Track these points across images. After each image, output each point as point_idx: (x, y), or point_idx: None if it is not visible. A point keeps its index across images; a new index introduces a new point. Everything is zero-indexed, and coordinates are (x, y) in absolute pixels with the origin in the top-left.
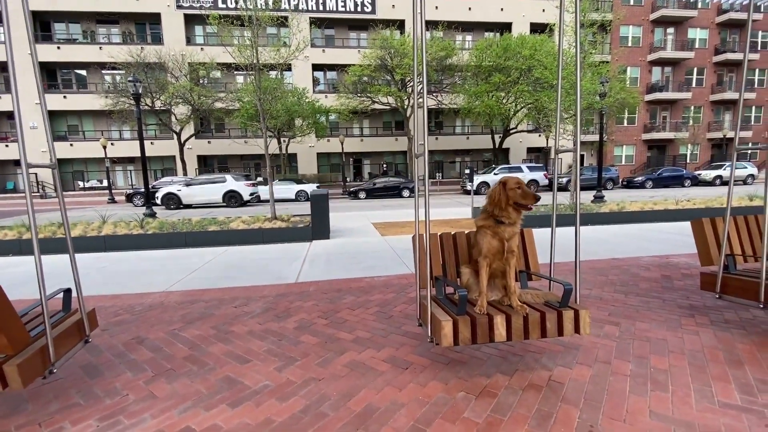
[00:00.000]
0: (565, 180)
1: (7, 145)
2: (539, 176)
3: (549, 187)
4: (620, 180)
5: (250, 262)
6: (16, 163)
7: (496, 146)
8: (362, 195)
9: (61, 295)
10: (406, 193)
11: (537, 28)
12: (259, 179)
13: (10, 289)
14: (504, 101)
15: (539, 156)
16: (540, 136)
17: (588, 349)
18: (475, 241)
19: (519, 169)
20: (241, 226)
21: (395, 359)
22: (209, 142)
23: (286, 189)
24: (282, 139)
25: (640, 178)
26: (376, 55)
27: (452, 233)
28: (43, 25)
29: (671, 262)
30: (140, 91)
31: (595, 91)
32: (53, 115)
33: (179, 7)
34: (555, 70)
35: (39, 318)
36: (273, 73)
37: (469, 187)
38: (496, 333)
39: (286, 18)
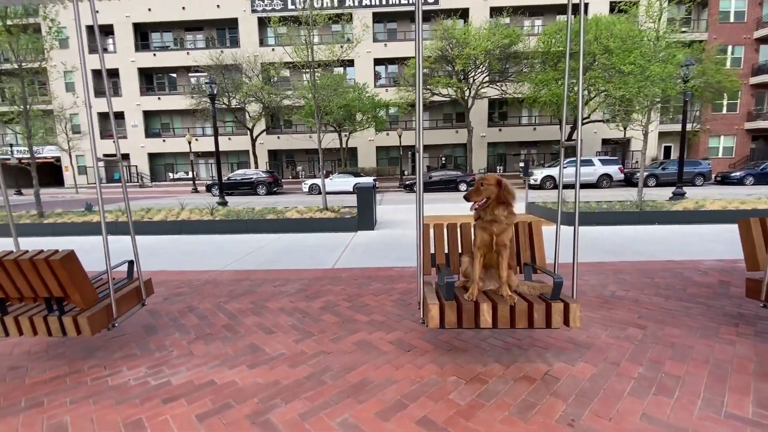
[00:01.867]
0: (647, 174)
1: (114, 141)
2: (613, 170)
3: (624, 183)
4: (713, 175)
5: (296, 248)
6: (122, 157)
7: (566, 137)
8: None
9: (125, 266)
10: (463, 186)
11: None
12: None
13: (100, 262)
14: (575, 89)
15: (616, 148)
16: (618, 126)
17: (600, 349)
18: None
19: (590, 162)
20: (295, 216)
21: (401, 342)
22: (278, 138)
23: (344, 182)
24: (342, 134)
25: (738, 174)
26: (437, 47)
27: (458, 224)
28: (142, 35)
29: (738, 267)
30: (215, 92)
31: (674, 75)
32: (149, 115)
33: (254, 11)
34: (621, 54)
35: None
36: (337, 70)
37: (531, 181)
38: (482, 319)
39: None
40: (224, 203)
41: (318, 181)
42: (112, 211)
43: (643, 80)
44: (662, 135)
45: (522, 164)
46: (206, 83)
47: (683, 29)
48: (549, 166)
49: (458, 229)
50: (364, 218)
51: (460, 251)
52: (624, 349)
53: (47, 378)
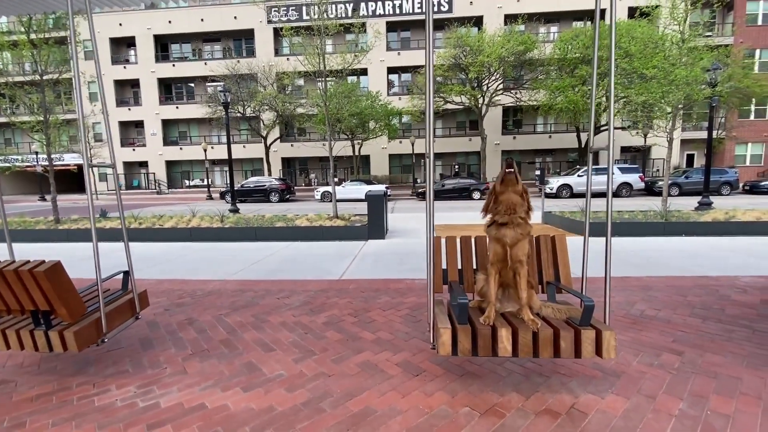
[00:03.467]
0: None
1: (134, 149)
2: (633, 179)
3: (645, 192)
4: (741, 184)
5: (304, 258)
6: (141, 164)
7: (583, 145)
8: None
9: (121, 276)
10: (476, 195)
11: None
12: (336, 180)
13: (104, 270)
14: (599, 94)
15: (636, 156)
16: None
17: (632, 379)
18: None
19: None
20: (305, 224)
21: (408, 364)
22: (292, 146)
23: (356, 189)
24: (355, 141)
25: None
26: (450, 54)
27: (472, 237)
28: (162, 46)
29: None
30: (229, 100)
31: (699, 80)
32: (168, 123)
33: (269, 22)
34: (643, 58)
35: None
36: (350, 79)
37: (547, 190)
38: (500, 347)
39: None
40: (236, 210)
41: (327, 188)
42: (128, 217)
43: (667, 85)
44: (685, 142)
45: (537, 172)
46: (220, 91)
47: (707, 33)
48: (565, 174)
49: (473, 242)
50: (374, 227)
51: (474, 267)
52: (660, 378)
53: (34, 395)
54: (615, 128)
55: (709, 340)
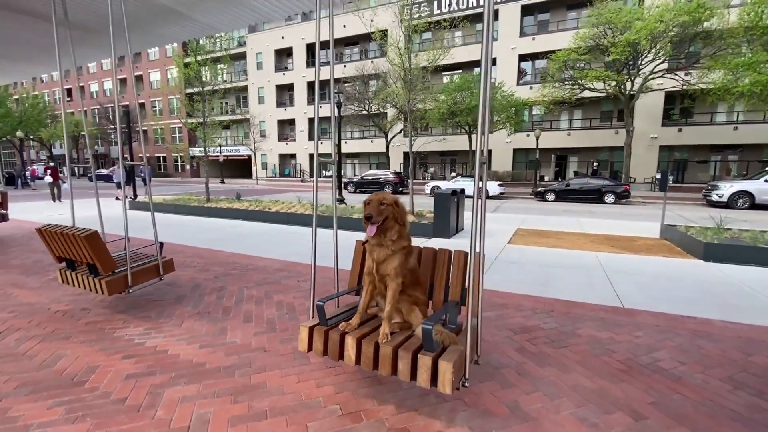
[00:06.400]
0: None
1: (287, 143)
2: None
3: None
4: None
5: (351, 248)
6: (291, 156)
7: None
8: (550, 197)
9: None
10: (610, 198)
11: None
12: (452, 175)
13: (205, 240)
14: None
15: None
16: None
17: (539, 429)
18: None
19: None
20: None
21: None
22: (413, 139)
23: (466, 185)
24: (472, 135)
25: None
26: (589, 35)
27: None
28: (313, 53)
29: None
30: (341, 100)
31: None
32: (313, 121)
33: (402, 21)
34: None
35: (135, 257)
36: (477, 70)
37: (714, 197)
38: (346, 354)
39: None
40: (341, 200)
41: (440, 183)
42: (251, 201)
43: None
44: None
45: (659, 175)
46: (334, 92)
47: None
48: (747, 179)
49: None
50: (440, 225)
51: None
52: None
53: (91, 320)
54: None
55: (709, 415)
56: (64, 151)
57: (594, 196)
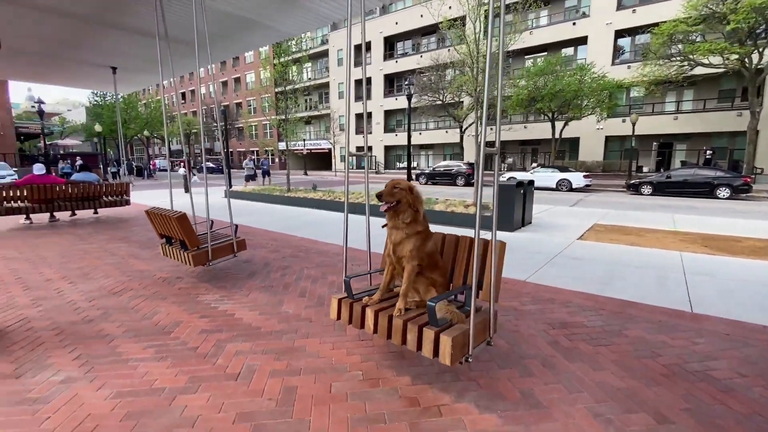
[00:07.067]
0: None
1: (364, 136)
2: None
3: None
4: None
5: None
6: (368, 148)
7: None
8: (646, 190)
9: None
10: (723, 192)
11: None
12: (533, 166)
13: (290, 227)
14: None
15: None
16: None
17: (543, 414)
18: None
19: None
20: (440, 208)
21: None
22: (491, 129)
23: (547, 177)
24: (556, 122)
25: None
26: (703, 2)
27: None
28: (390, 45)
29: None
30: (412, 92)
31: None
32: (388, 114)
33: (481, 5)
34: None
35: (215, 236)
36: (564, 51)
37: None
38: (366, 324)
39: None
40: None
41: (516, 173)
42: (325, 191)
43: None
44: None
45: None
46: (405, 84)
47: None
48: None
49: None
50: (502, 218)
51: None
52: (577, 428)
53: (182, 287)
54: None
55: (751, 429)
56: (180, 146)
57: (703, 190)
